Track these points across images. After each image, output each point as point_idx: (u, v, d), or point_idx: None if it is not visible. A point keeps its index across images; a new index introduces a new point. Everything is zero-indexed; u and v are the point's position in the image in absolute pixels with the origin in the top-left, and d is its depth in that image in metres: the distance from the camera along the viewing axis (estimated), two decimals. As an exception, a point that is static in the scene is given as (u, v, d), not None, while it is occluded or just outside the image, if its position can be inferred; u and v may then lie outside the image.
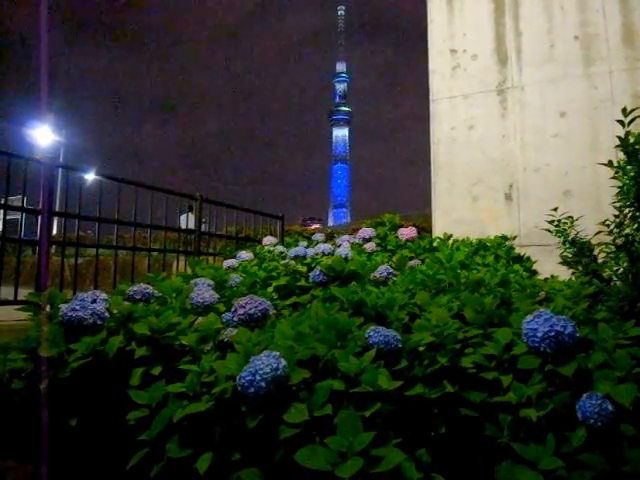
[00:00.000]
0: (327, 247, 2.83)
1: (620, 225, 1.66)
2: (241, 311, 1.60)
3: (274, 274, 2.40)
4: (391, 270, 2.11)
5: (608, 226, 1.69)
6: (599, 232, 1.72)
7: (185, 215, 6.02)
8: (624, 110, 1.65)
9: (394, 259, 2.54)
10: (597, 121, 3.42)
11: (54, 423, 1.38)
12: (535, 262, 2.85)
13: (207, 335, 1.52)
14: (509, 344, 1.31)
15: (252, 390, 1.12)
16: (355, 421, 1.05)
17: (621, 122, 1.65)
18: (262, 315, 1.61)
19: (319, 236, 3.35)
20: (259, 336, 1.36)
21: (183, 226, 5.65)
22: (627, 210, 1.64)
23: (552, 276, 2.24)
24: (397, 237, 3.13)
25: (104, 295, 1.67)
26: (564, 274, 2.05)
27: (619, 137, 1.64)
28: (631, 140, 1.62)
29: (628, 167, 1.62)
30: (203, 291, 1.83)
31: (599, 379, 1.17)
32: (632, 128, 1.67)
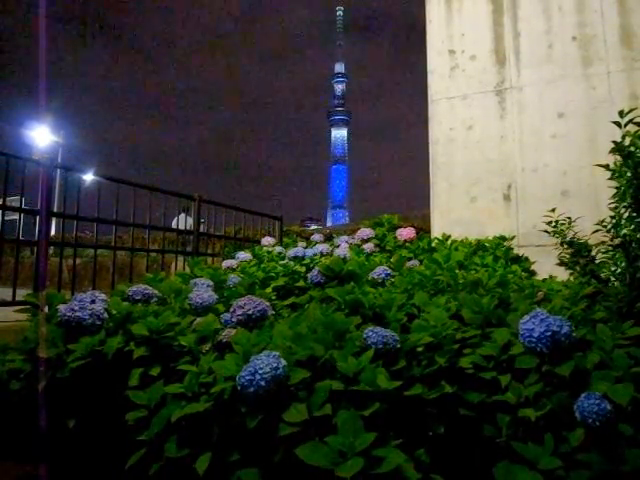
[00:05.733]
0: (325, 248, 2.83)
1: (617, 225, 1.65)
2: (239, 312, 1.60)
3: (273, 274, 2.40)
4: (389, 271, 2.10)
5: (605, 226, 1.68)
6: (596, 231, 1.72)
7: (179, 217, 6.00)
8: (621, 112, 1.65)
9: (392, 260, 2.54)
10: (595, 122, 3.42)
11: (53, 423, 1.38)
12: (534, 262, 2.86)
13: (206, 335, 1.52)
14: (507, 344, 1.31)
15: (252, 389, 1.12)
16: (356, 421, 1.05)
17: (617, 124, 1.65)
18: (260, 315, 1.61)
19: (318, 237, 3.35)
20: (257, 337, 1.36)
21: (177, 227, 5.64)
22: (624, 210, 1.64)
23: (551, 276, 2.25)
24: (396, 237, 3.13)
25: (103, 296, 1.67)
26: (563, 274, 2.05)
27: (614, 142, 1.64)
28: (626, 142, 1.62)
29: (624, 169, 1.61)
30: (202, 291, 1.83)
31: (597, 379, 1.17)
32: (629, 129, 1.66)
